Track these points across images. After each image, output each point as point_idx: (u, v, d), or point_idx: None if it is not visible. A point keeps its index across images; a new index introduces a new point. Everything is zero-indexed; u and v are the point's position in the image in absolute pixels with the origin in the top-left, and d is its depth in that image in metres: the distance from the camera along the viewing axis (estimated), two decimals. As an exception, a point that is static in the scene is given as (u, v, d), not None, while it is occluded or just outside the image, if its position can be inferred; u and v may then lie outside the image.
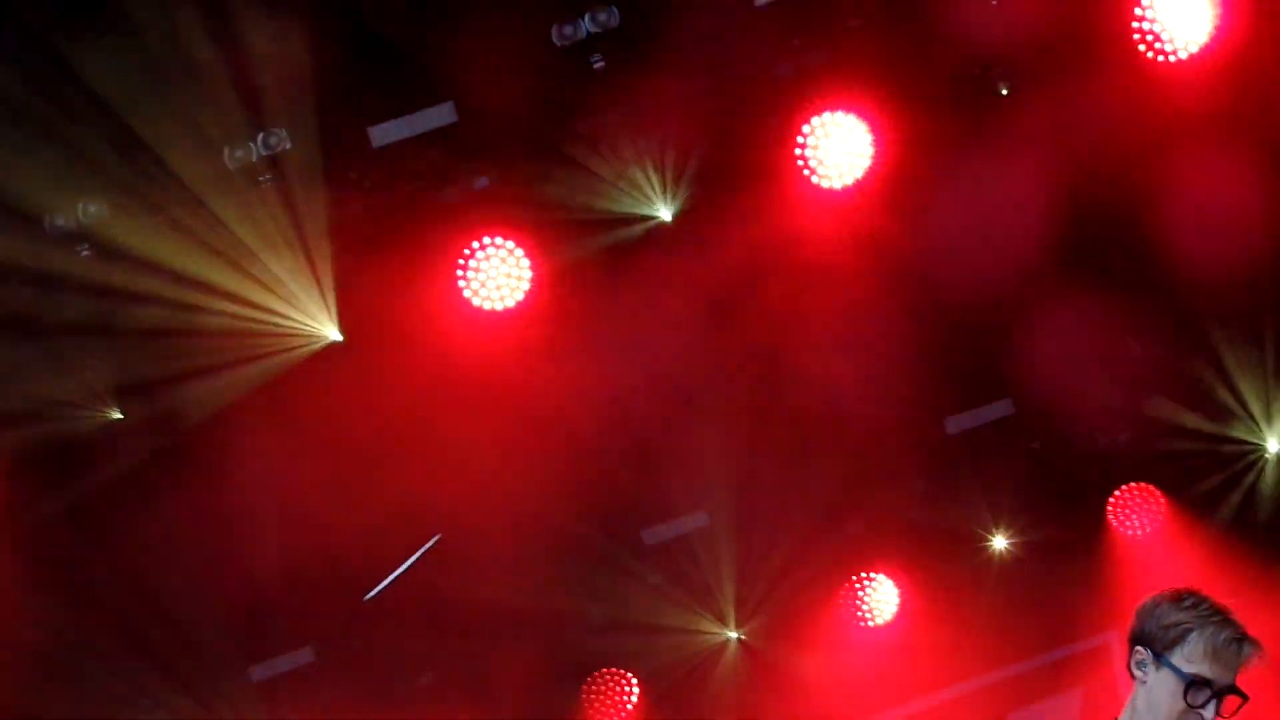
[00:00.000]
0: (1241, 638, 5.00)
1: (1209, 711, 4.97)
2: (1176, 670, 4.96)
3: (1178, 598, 5.09)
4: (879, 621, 11.40)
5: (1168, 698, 5.00)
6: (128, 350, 8.95)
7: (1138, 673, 5.08)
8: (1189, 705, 4.96)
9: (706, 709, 11.61)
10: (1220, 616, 5.03)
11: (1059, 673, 11.17)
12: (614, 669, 11.65)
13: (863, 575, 11.37)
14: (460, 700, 11.67)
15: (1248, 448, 10.64)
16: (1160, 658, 4.99)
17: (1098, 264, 9.82)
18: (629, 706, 11.68)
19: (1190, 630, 4.98)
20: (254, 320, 8.87)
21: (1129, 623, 5.21)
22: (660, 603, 11.34)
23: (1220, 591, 5.19)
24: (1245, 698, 5.02)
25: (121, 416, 9.21)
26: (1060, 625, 11.16)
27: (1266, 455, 10.62)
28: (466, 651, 11.40)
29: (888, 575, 11.37)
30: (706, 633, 11.55)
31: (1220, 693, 4.98)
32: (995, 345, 10.16)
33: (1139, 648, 5.07)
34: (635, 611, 11.33)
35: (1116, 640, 10.86)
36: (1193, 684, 4.95)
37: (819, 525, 11.19)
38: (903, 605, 11.38)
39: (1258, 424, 10.52)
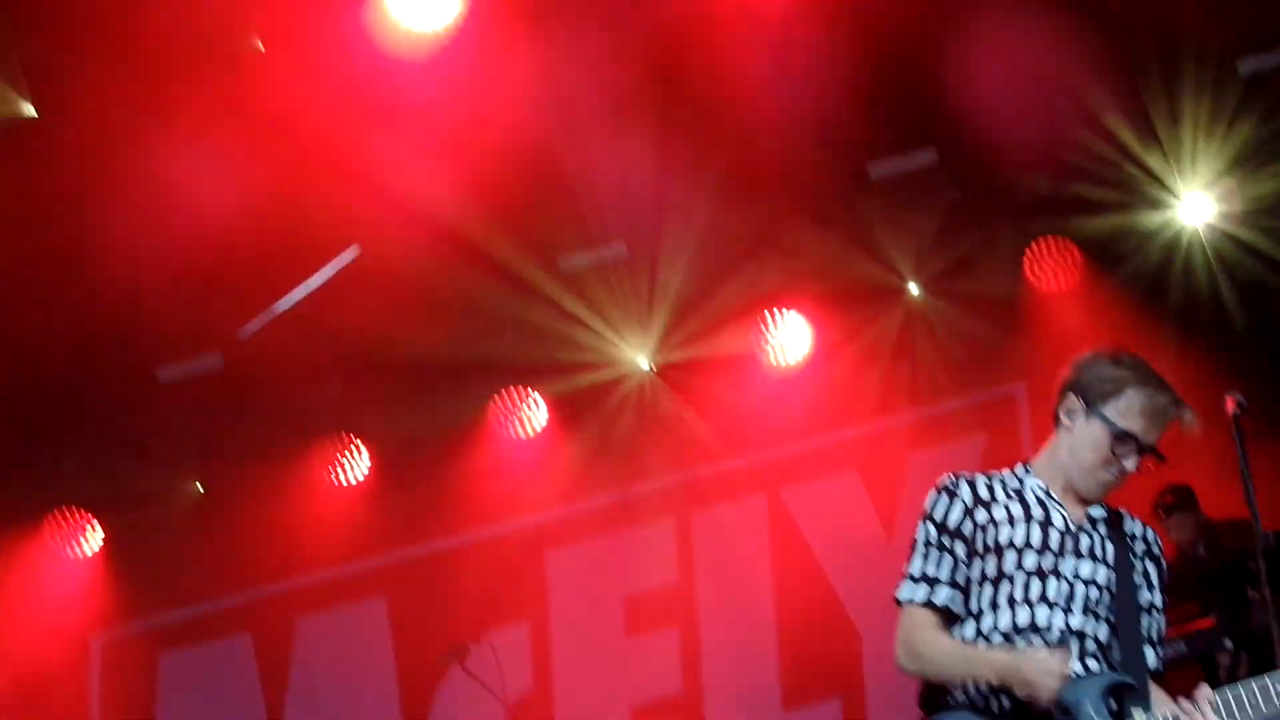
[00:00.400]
0: (1178, 402, 5.10)
1: (1130, 463, 5.07)
2: (1109, 422, 5.04)
3: (1116, 355, 5.17)
4: (790, 359, 11.45)
5: (1092, 447, 5.08)
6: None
7: (1065, 420, 5.16)
8: (1113, 455, 5.05)
9: (616, 436, 11.71)
10: (1158, 379, 5.13)
11: (963, 420, 11.27)
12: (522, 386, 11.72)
13: (777, 312, 11.39)
14: (365, 420, 11.77)
15: (1163, 210, 10.66)
16: (1093, 408, 5.06)
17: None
18: (535, 428, 11.77)
19: (1127, 386, 5.07)
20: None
21: (1051, 374, 5.30)
22: (575, 330, 11.37)
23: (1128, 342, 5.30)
24: (1163, 459, 5.13)
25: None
26: (969, 374, 11.25)
27: (1180, 223, 10.65)
28: (378, 363, 11.44)
29: (802, 314, 11.40)
30: (620, 362, 11.64)
31: (1144, 450, 5.07)
32: (923, 92, 10.05)
33: (1072, 396, 5.14)
34: (549, 338, 11.37)
35: (1023, 392, 11.02)
36: (1122, 437, 5.03)
37: (737, 261, 11.22)
38: (815, 344, 11.43)
39: (1172, 186, 10.52)
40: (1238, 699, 4.78)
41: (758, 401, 11.53)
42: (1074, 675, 4.86)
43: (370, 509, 11.86)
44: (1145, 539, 5.22)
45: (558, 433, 11.80)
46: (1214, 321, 10.52)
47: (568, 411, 11.79)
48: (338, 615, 12.01)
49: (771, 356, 11.47)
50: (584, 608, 11.76)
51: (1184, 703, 4.81)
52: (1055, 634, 4.94)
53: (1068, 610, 4.99)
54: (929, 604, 5.04)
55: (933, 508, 5.12)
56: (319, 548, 11.84)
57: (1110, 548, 5.10)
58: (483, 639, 10.43)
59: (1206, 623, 8.63)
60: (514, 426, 11.78)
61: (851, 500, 11.47)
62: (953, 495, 5.11)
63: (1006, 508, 5.10)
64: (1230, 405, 6.15)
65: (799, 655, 11.38)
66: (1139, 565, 5.14)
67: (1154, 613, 5.15)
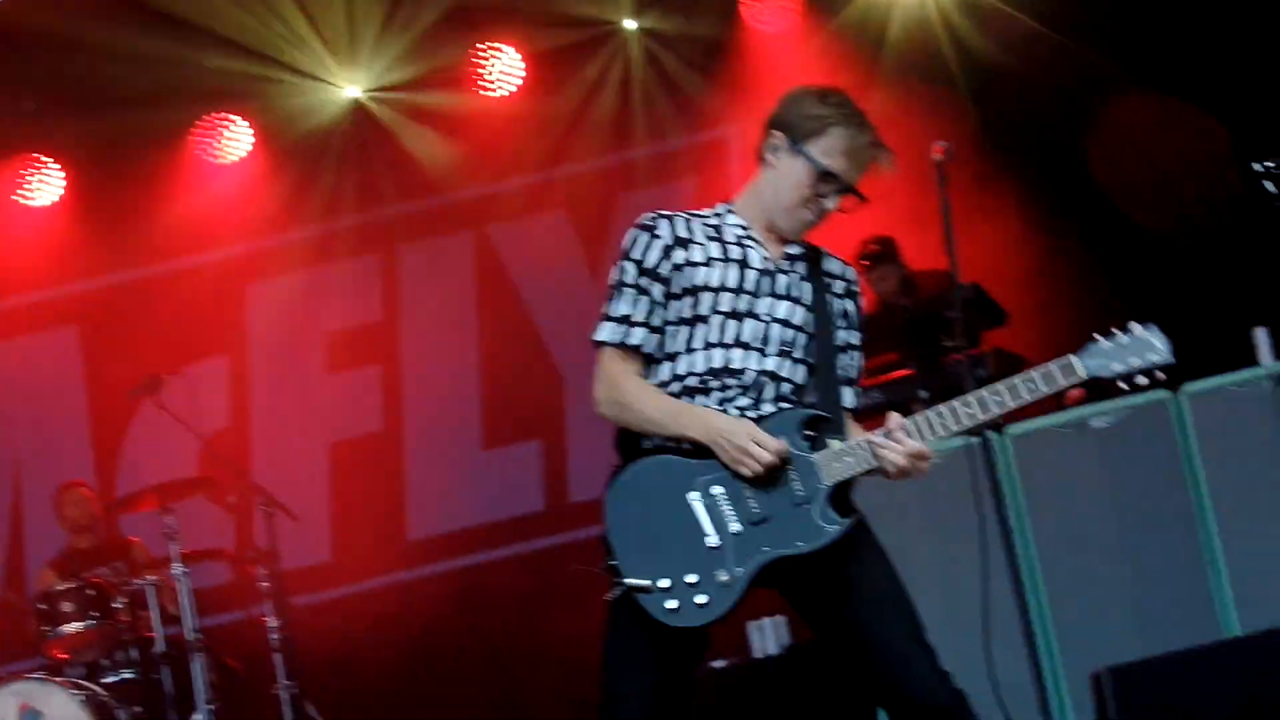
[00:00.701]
0: (878, 143, 4.97)
1: (831, 203, 4.96)
2: (811, 159, 4.92)
3: (823, 93, 5.03)
4: (501, 92, 11.23)
5: (794, 184, 4.96)
6: None
7: (769, 156, 5.02)
8: (814, 193, 4.95)
9: (321, 167, 11.41)
10: (861, 119, 4.98)
11: (674, 162, 11.20)
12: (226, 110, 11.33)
13: (490, 45, 11.13)
14: (58, 139, 11.28)
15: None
16: (797, 145, 4.94)
17: None
18: (239, 154, 11.40)
19: (832, 124, 4.93)
20: None
21: (760, 114, 5.12)
22: (283, 50, 10.98)
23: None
24: (864, 199, 5.02)
25: None
26: (681, 116, 11.15)
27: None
28: (72, 77, 10.92)
29: (515, 47, 11.14)
30: (327, 88, 11.29)
31: (844, 189, 4.97)
32: None
33: (776, 133, 5.01)
34: (256, 57, 10.94)
35: (735, 136, 10.95)
36: (824, 174, 4.92)
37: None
38: (527, 79, 11.19)
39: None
40: (927, 420, 4.82)
41: (467, 136, 11.28)
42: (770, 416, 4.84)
43: (63, 233, 11.41)
44: (844, 277, 5.14)
45: (260, 160, 11.42)
46: (930, 71, 10.55)
47: (272, 139, 11.40)
48: (26, 344, 11.63)
49: (483, 89, 11.20)
50: (284, 343, 11.55)
51: (878, 432, 4.80)
52: (750, 376, 4.87)
53: (763, 352, 4.91)
54: (624, 345, 4.93)
55: (631, 246, 4.97)
56: (6, 273, 11.41)
57: (807, 287, 5.02)
58: (178, 372, 10.14)
59: (904, 372, 8.73)
60: (216, 152, 11.37)
61: (559, 241, 11.38)
62: (652, 234, 4.96)
63: (706, 247, 4.97)
64: (937, 152, 6.12)
65: (501, 396, 11.37)
66: (837, 305, 5.07)
67: (850, 351, 5.09)
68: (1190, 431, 7.31)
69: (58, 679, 8.99)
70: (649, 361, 4.95)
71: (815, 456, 4.78)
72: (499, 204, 11.52)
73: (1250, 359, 7.51)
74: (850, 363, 5.08)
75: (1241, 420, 7.29)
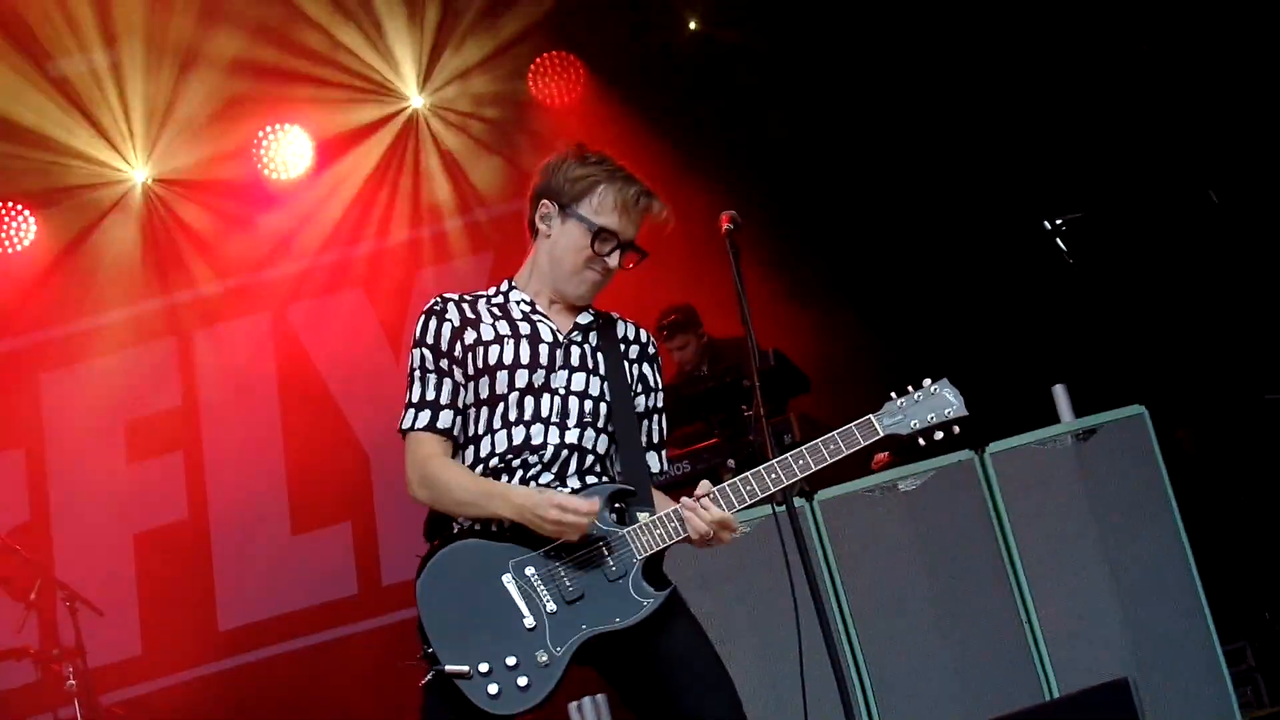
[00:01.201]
0: (648, 193, 5.00)
1: (613, 260, 4.97)
2: (585, 220, 4.94)
3: (581, 154, 5.06)
4: (291, 174, 11.16)
5: (573, 249, 4.97)
6: None
7: (541, 226, 5.04)
8: (595, 253, 4.95)
9: (113, 253, 11.25)
10: (625, 173, 5.02)
11: (471, 237, 11.21)
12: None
13: (276, 126, 11.10)
14: None
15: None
16: (567, 209, 4.96)
17: None
18: (24, 243, 11.19)
19: (599, 183, 4.96)
20: None
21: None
22: (66, 136, 10.82)
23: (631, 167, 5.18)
24: (644, 254, 5.04)
25: None
26: (476, 190, 11.18)
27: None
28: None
29: (301, 127, 11.14)
30: (114, 174, 11.15)
31: (624, 246, 4.98)
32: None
33: (545, 202, 5.04)
34: (39, 144, 10.78)
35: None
36: (600, 233, 4.93)
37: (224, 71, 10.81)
38: (316, 159, 11.20)
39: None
40: (733, 487, 4.89)
41: (260, 217, 11.18)
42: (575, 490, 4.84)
43: None
44: (638, 341, 5.15)
45: (50, 248, 11.22)
46: (708, 137, 10.69)
47: (60, 225, 11.22)
48: None
49: (271, 172, 11.13)
50: (82, 433, 11.31)
51: (686, 500, 4.82)
52: (550, 451, 4.87)
53: (562, 426, 4.90)
54: (432, 428, 4.90)
55: (424, 332, 4.97)
56: None
57: (601, 357, 5.03)
58: (-30, 470, 9.93)
59: (710, 441, 8.76)
60: (3, 241, 11.15)
61: (357, 320, 11.32)
62: (441, 318, 4.97)
63: (494, 326, 4.98)
64: (725, 222, 6.17)
65: (307, 478, 11.23)
66: (634, 370, 5.09)
67: (654, 416, 5.12)
68: (996, 489, 7.43)
69: None
70: (455, 446, 4.92)
71: (625, 531, 4.79)
72: (294, 285, 11.43)
73: (1051, 416, 7.66)
74: (654, 427, 5.10)
75: (1046, 476, 7.44)
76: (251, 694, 10.75)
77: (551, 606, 4.73)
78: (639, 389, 5.08)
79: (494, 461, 4.86)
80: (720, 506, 4.84)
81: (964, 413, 4.89)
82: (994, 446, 7.49)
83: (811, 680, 6.51)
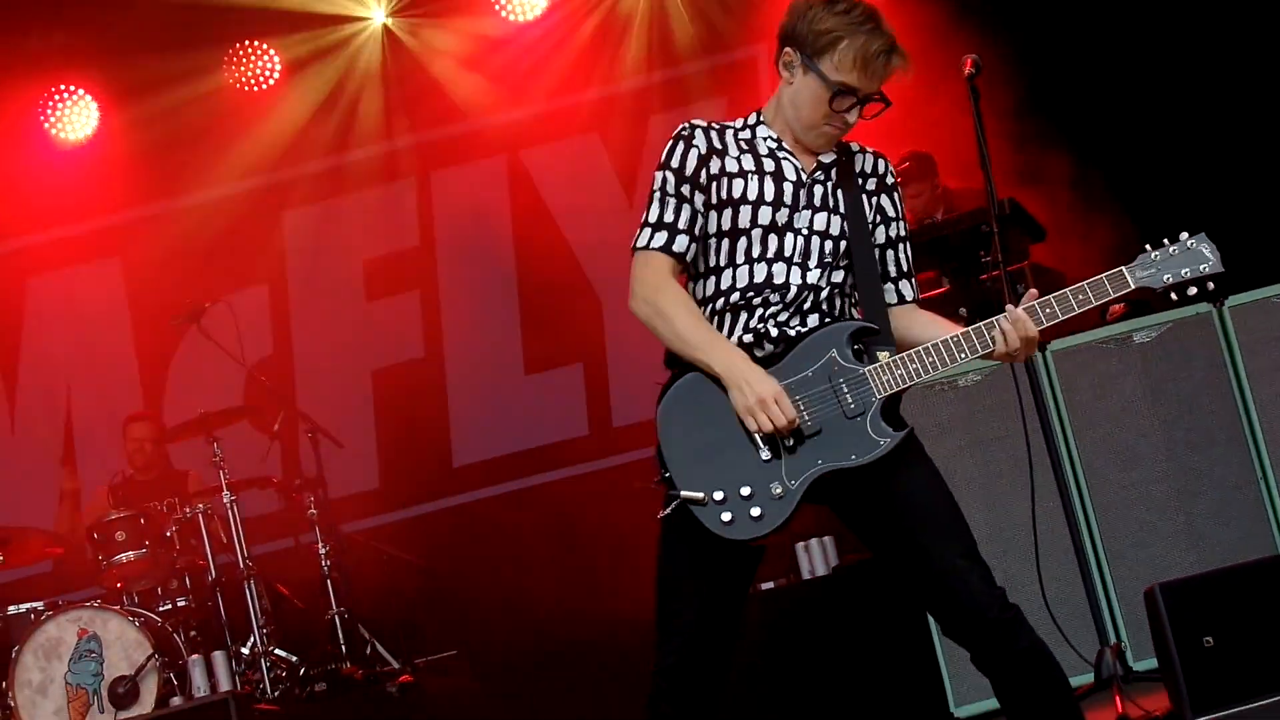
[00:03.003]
0: (891, 49, 4.84)
1: (852, 116, 4.88)
2: (825, 77, 4.81)
3: (831, 1, 4.85)
4: (530, 15, 11.25)
5: (812, 102, 4.86)
6: None
7: (784, 73, 4.92)
8: (833, 110, 4.85)
9: (350, 92, 11.44)
10: (872, 25, 4.84)
11: (703, 83, 11.16)
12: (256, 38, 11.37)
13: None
14: (92, 70, 11.33)
15: None
16: (809, 61, 4.82)
17: None
18: (269, 82, 11.44)
19: (842, 39, 4.79)
20: None
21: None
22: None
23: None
24: (888, 103, 4.92)
25: None
26: (710, 37, 11.13)
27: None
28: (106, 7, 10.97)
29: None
30: (354, 14, 11.35)
31: (864, 100, 4.87)
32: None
33: (788, 50, 4.90)
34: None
35: (763, 54, 10.91)
36: (839, 92, 4.82)
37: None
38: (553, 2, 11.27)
39: None
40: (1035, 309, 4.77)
41: (499, 60, 11.29)
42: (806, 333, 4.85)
43: (100, 166, 11.46)
44: (877, 173, 5.03)
45: (291, 88, 11.47)
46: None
47: (301, 66, 11.46)
48: (71, 275, 11.71)
49: (509, 13, 11.22)
50: (323, 271, 11.61)
51: (1012, 311, 4.75)
52: (793, 292, 4.84)
53: (804, 266, 4.86)
54: (668, 250, 4.86)
55: (670, 155, 4.90)
56: (47, 205, 11.47)
57: (841, 194, 4.94)
58: (220, 301, 10.21)
59: (942, 290, 8.73)
60: (248, 80, 11.41)
61: (592, 164, 11.39)
62: (689, 143, 4.90)
63: (740, 160, 4.90)
64: (967, 66, 6.12)
65: (540, 320, 11.40)
66: (873, 201, 4.98)
67: (898, 246, 5.01)
68: (1235, 344, 7.32)
69: (114, 606, 9.14)
70: (689, 275, 4.97)
71: (866, 369, 4.77)
72: (531, 128, 11.52)
73: (1292, 271, 7.52)
74: (899, 256, 5.02)
75: (1285, 332, 7.32)
76: (484, 530, 11.02)
77: (789, 441, 4.75)
78: (878, 220, 4.99)
79: (734, 297, 4.85)
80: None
81: (1220, 269, 4.77)
82: (1233, 300, 7.36)
83: (1041, 530, 6.56)
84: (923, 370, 4.77)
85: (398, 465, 11.38)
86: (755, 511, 4.71)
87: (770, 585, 8.78)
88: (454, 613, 10.49)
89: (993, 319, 4.77)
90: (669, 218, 4.89)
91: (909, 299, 5.01)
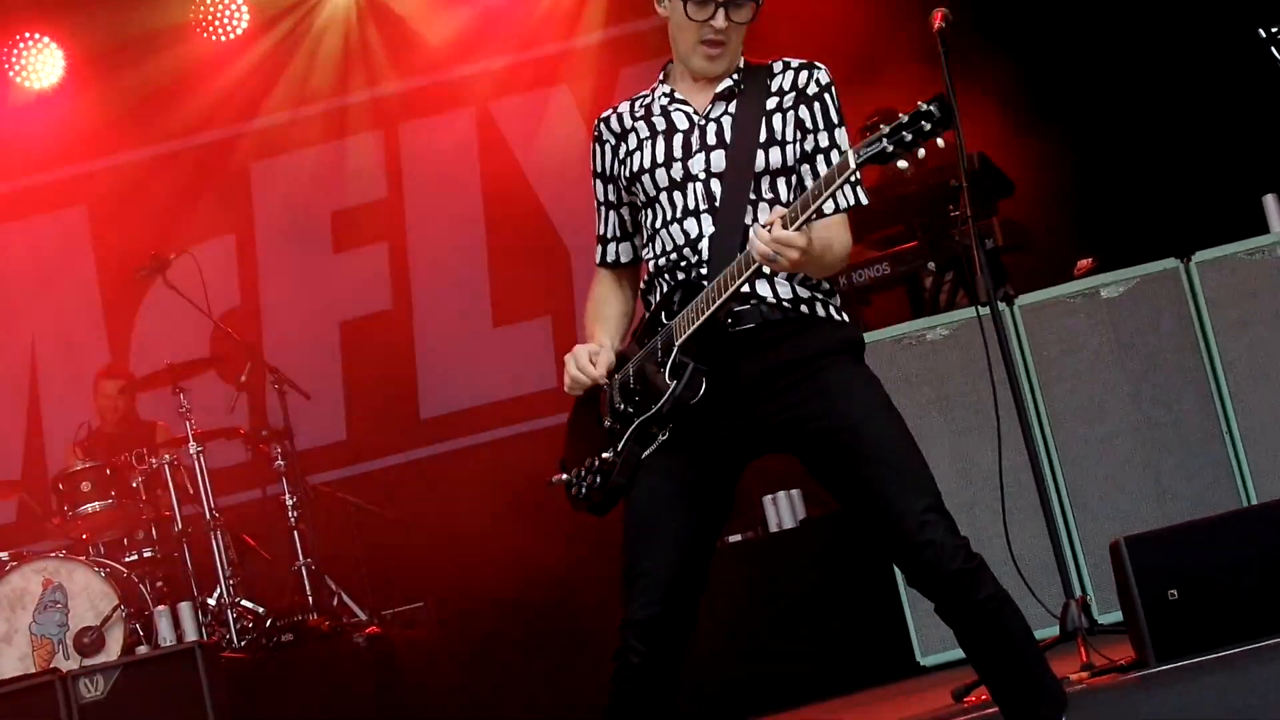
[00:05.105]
0: None
1: (719, 20, 4.65)
2: None
3: None
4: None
5: (679, 26, 4.71)
6: None
7: (661, 11, 4.78)
8: (693, 20, 4.65)
9: (321, 45, 11.38)
10: None
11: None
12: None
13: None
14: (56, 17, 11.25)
15: None
16: None
17: None
18: (237, 31, 11.38)
19: None
20: None
21: None
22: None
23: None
24: (758, 1, 4.69)
25: None
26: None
27: None
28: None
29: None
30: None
31: (724, 3, 4.63)
32: None
33: None
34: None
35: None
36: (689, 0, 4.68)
37: None
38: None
39: None
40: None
41: (467, 11, 11.24)
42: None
43: (66, 114, 11.36)
44: (796, 86, 4.76)
45: (260, 37, 11.39)
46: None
47: (271, 15, 11.38)
48: (36, 225, 11.65)
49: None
50: (290, 222, 11.56)
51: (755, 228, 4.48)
52: (706, 246, 4.69)
53: (713, 211, 4.71)
54: (602, 263, 4.96)
55: (591, 158, 4.92)
56: (12, 155, 11.39)
57: (732, 122, 4.72)
58: (186, 251, 10.15)
59: (911, 244, 8.74)
60: (215, 29, 11.34)
61: (561, 116, 11.36)
62: (600, 141, 4.88)
63: (635, 130, 4.82)
64: (937, 19, 6.11)
65: (509, 272, 11.38)
66: (786, 118, 4.73)
67: (816, 157, 4.72)
68: (1201, 300, 7.37)
69: (79, 557, 9.12)
70: (632, 266, 4.97)
71: (674, 321, 4.70)
72: (499, 81, 11.48)
73: (1261, 226, 7.55)
74: (816, 170, 4.73)
75: (1252, 288, 7.36)
76: (451, 481, 11.01)
77: (621, 404, 4.74)
78: (795, 135, 4.74)
79: (662, 262, 4.79)
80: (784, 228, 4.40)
81: (939, 113, 4.18)
82: (1200, 256, 7.41)
83: (1008, 483, 6.58)
84: (706, 304, 4.62)
85: (365, 417, 11.36)
86: (596, 480, 4.76)
87: (738, 538, 8.82)
88: (421, 565, 10.48)
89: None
90: (599, 229, 4.95)
91: (842, 206, 4.69)
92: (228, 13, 11.29)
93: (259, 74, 11.41)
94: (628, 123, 4.86)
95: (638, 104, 4.89)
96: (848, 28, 9.75)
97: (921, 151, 4.23)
